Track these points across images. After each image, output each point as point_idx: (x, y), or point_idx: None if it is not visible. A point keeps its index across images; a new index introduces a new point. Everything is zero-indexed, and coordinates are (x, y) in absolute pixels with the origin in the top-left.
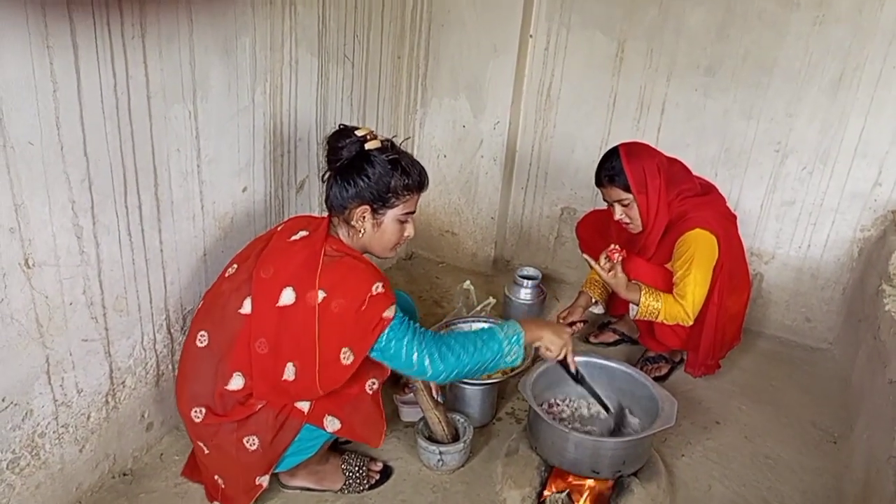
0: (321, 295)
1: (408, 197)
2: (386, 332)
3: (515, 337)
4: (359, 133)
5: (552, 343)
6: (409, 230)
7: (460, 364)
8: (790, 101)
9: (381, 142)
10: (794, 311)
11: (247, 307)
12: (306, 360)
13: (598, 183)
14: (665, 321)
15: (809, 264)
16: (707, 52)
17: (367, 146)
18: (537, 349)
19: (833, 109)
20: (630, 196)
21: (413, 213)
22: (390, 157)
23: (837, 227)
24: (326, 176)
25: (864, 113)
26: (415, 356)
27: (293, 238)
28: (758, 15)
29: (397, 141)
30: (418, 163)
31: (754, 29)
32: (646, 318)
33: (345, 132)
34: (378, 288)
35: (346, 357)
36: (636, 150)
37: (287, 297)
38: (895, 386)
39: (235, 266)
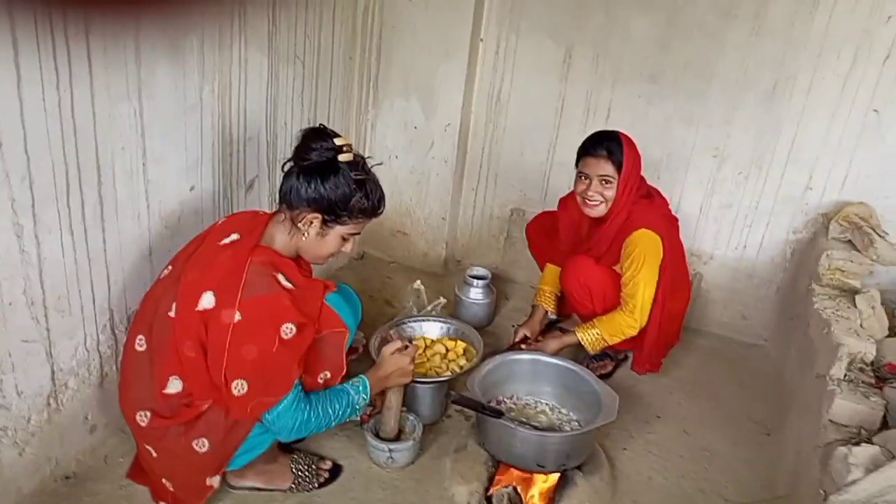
0: (237, 316)
1: (361, 219)
2: (278, 405)
3: (361, 386)
4: (337, 141)
5: (402, 379)
6: (349, 247)
7: (318, 423)
8: (728, 109)
9: (354, 156)
10: (732, 309)
11: (174, 310)
12: (217, 374)
13: (590, 152)
14: (615, 340)
15: (745, 264)
16: (650, 61)
17: (340, 157)
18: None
19: (768, 117)
20: (616, 176)
21: (358, 234)
22: (357, 177)
23: (772, 229)
24: (288, 167)
25: (797, 121)
26: (291, 422)
27: (224, 241)
28: (698, 26)
29: (369, 163)
30: (381, 189)
31: (695, 39)
32: (601, 348)
33: (323, 134)
34: (288, 331)
35: (238, 388)
36: (632, 143)
37: (207, 300)
38: (822, 380)
39: (170, 268)
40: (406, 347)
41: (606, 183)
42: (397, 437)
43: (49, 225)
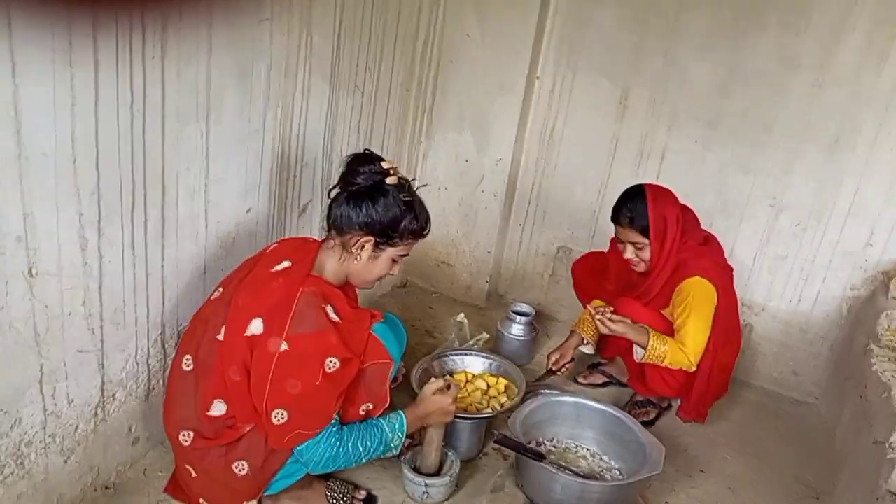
0: (283, 346)
1: (410, 240)
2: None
3: (398, 423)
4: (383, 165)
5: (443, 419)
6: (396, 269)
7: (348, 459)
8: (787, 159)
9: (400, 179)
10: (782, 363)
11: (222, 334)
12: (259, 401)
13: (616, 221)
14: (670, 365)
15: (799, 319)
16: (708, 106)
17: (388, 180)
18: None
19: (829, 169)
20: (646, 241)
21: (407, 255)
22: (405, 198)
23: (828, 283)
24: (334, 193)
25: (859, 174)
26: (320, 455)
27: (276, 268)
28: (759, 74)
29: (414, 184)
30: (426, 210)
31: (755, 87)
32: (652, 362)
33: (370, 158)
34: (332, 365)
35: (278, 418)
36: (662, 196)
37: (255, 326)
38: (880, 446)
39: (221, 290)
40: (448, 387)
41: (639, 248)
42: (437, 473)
43: (112, 240)
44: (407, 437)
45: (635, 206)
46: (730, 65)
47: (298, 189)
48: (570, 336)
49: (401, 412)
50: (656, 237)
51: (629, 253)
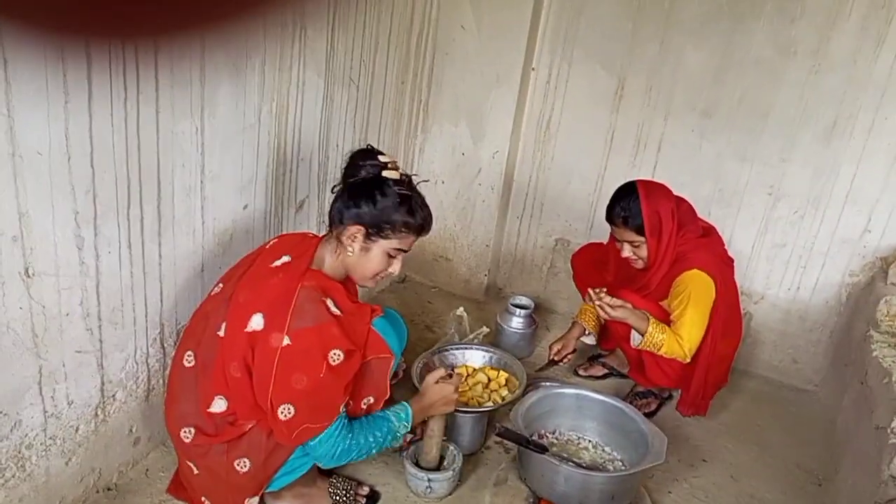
0: (285, 341)
1: (404, 234)
2: (325, 431)
3: (404, 414)
4: (382, 159)
5: (446, 408)
6: (395, 267)
7: (359, 452)
8: (784, 147)
9: (400, 174)
10: (782, 351)
11: (223, 330)
12: (263, 397)
13: (611, 221)
14: (665, 354)
15: (798, 306)
16: (704, 95)
17: (385, 174)
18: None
19: (826, 156)
20: (642, 239)
21: (405, 251)
22: (402, 192)
23: (826, 271)
24: (337, 188)
25: (856, 161)
26: (332, 449)
27: (275, 264)
28: (755, 61)
29: (414, 180)
30: (427, 208)
31: (751, 74)
32: (648, 349)
33: (370, 153)
34: (336, 357)
35: (285, 413)
36: (654, 192)
37: (256, 322)
38: (882, 432)
39: (221, 286)
40: (450, 376)
41: (635, 246)
42: (438, 466)
43: (109, 238)
44: (411, 431)
45: (628, 204)
46: (725, 52)
47: (295, 185)
48: (571, 327)
49: (406, 403)
50: (652, 234)
51: (626, 251)
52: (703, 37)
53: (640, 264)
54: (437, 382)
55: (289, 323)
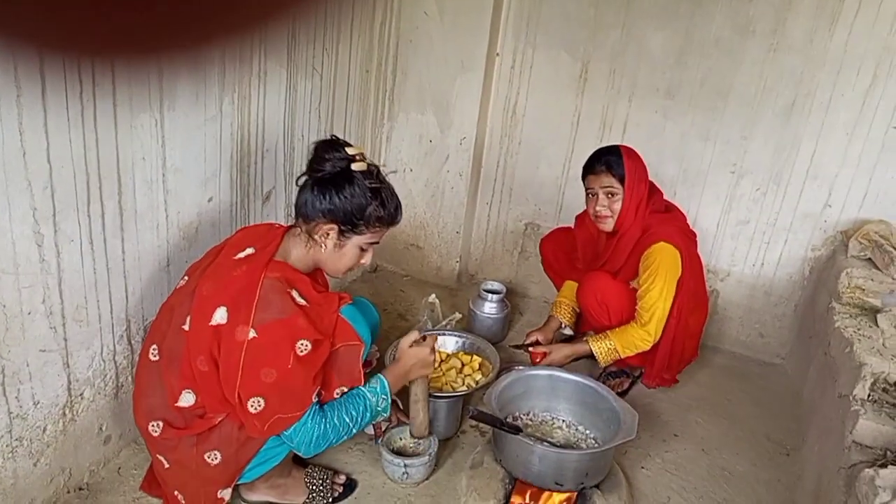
0: (251, 334)
1: (377, 228)
2: (298, 422)
3: (380, 387)
4: (349, 151)
5: (424, 370)
6: (367, 258)
7: (338, 434)
8: (745, 125)
9: (368, 166)
10: (749, 327)
11: (188, 323)
12: (231, 391)
13: (591, 169)
14: (627, 353)
15: (763, 282)
16: (666, 76)
17: (353, 167)
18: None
19: (786, 133)
20: (620, 188)
21: (377, 243)
22: (372, 185)
23: (790, 246)
24: (302, 181)
25: (816, 137)
26: (309, 436)
27: (239, 256)
28: (715, 42)
29: (383, 171)
30: (396, 197)
31: (711, 55)
32: (613, 360)
33: (336, 144)
34: (304, 347)
35: (255, 406)
36: (634, 153)
37: (220, 315)
38: (844, 399)
39: (186, 278)
40: (424, 338)
41: (612, 196)
42: (429, 430)
43: (69, 234)
44: (390, 406)
45: (611, 157)
46: (686, 33)
47: (261, 176)
48: (548, 320)
49: (380, 375)
50: (630, 185)
51: (601, 202)
52: (664, 19)
53: (609, 224)
54: (411, 346)
55: (254, 315)
